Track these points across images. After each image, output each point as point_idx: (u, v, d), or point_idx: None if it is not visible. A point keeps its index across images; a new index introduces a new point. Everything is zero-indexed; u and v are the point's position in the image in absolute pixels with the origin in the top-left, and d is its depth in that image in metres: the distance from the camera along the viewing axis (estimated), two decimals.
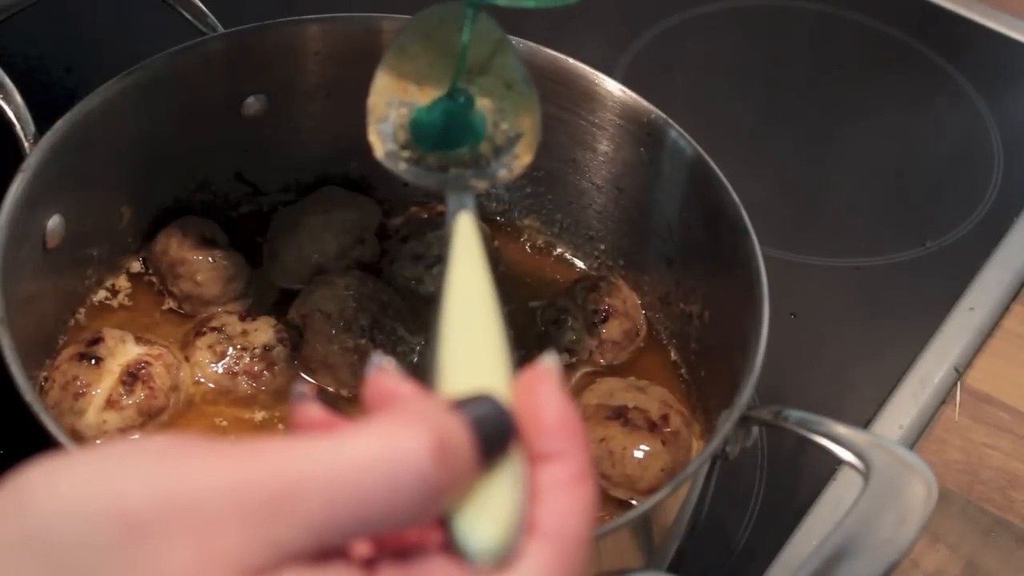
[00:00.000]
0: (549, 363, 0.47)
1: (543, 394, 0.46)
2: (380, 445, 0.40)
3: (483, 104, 0.73)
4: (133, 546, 0.37)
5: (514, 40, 0.91)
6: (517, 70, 0.74)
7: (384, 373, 0.45)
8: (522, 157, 0.72)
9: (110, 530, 0.37)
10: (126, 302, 0.91)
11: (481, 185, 0.69)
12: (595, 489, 0.45)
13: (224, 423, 0.85)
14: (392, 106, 0.72)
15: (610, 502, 0.83)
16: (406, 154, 0.71)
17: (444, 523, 0.42)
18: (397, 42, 0.74)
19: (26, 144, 0.81)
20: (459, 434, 0.42)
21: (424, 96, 0.73)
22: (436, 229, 0.95)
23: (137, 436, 0.82)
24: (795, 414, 0.70)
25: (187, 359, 0.87)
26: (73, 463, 0.39)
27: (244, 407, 0.85)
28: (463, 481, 0.42)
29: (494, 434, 0.43)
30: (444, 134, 0.71)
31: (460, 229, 0.58)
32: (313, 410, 0.45)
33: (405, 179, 0.70)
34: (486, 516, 0.42)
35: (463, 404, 0.43)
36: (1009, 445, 0.98)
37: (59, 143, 0.81)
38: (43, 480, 0.38)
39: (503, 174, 0.71)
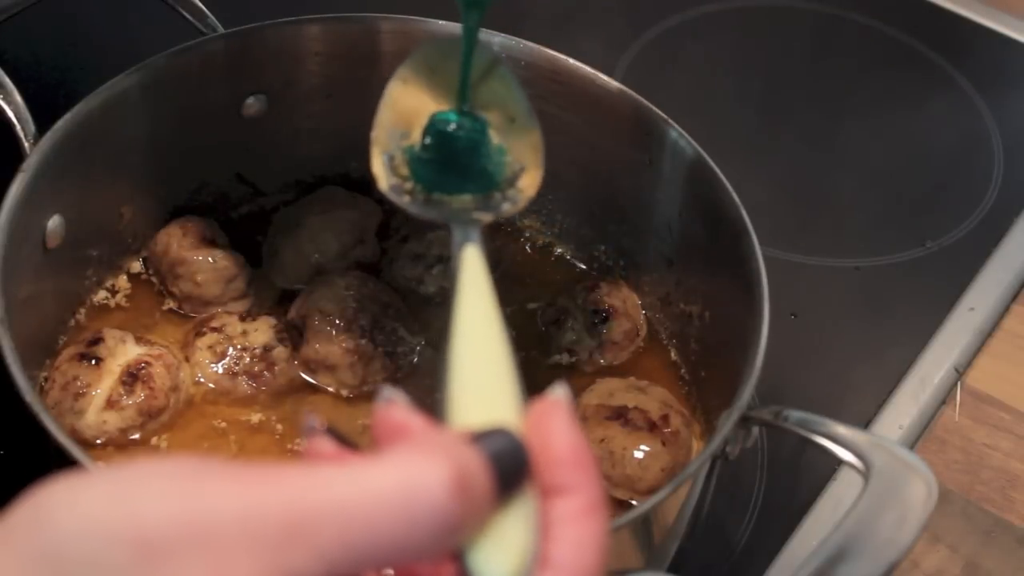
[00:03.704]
0: (559, 394, 0.47)
1: (554, 426, 0.46)
2: (398, 477, 0.40)
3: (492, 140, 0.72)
4: (148, 568, 0.37)
5: (514, 40, 0.91)
6: (520, 103, 0.73)
7: (394, 406, 0.45)
8: (526, 190, 0.72)
9: (126, 551, 0.37)
10: (126, 302, 0.91)
11: (486, 218, 0.68)
12: (607, 521, 0.45)
13: (224, 424, 0.85)
14: (394, 138, 0.72)
15: (610, 502, 0.83)
16: (409, 186, 0.71)
17: (457, 556, 0.42)
18: (400, 74, 0.74)
19: (26, 144, 0.81)
20: (477, 468, 0.42)
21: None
22: (436, 229, 0.95)
23: (137, 435, 0.82)
24: (795, 414, 0.70)
25: (187, 359, 0.87)
26: (92, 482, 0.39)
27: (244, 407, 0.85)
28: (480, 515, 0.42)
29: (511, 468, 0.43)
30: (449, 173, 0.71)
31: (467, 263, 0.57)
32: (324, 443, 0.45)
33: (409, 212, 0.70)
34: (500, 550, 0.42)
35: (480, 438, 0.43)
36: (1009, 445, 0.98)
37: (59, 143, 0.81)
38: (62, 497, 0.39)
39: (507, 208, 0.71)
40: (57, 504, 0.38)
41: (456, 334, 0.51)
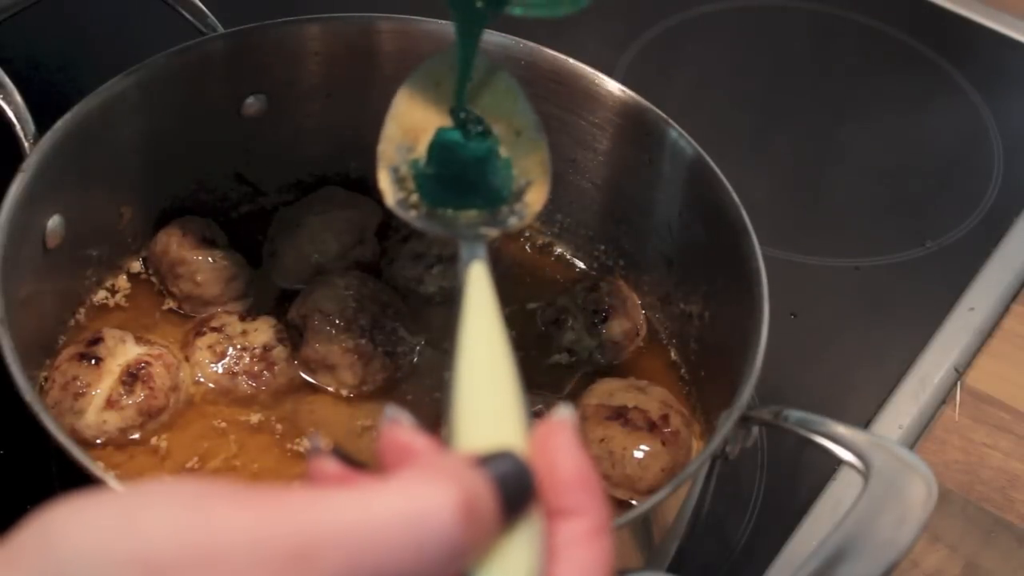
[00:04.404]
0: (564, 415, 0.47)
1: (559, 448, 0.46)
2: (405, 502, 0.40)
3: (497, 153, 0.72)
4: None
5: (514, 40, 0.91)
6: (527, 116, 0.73)
7: (398, 427, 0.45)
8: (533, 204, 0.71)
9: (134, 573, 0.37)
10: (126, 302, 0.91)
11: (493, 233, 0.68)
12: (613, 544, 0.45)
13: (223, 424, 0.85)
14: (401, 153, 0.72)
15: (610, 502, 0.83)
16: (415, 200, 0.70)
17: None
18: (405, 88, 0.73)
19: (26, 144, 0.81)
20: (484, 492, 0.42)
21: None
22: None
23: (137, 435, 0.82)
24: (795, 414, 0.70)
25: (187, 359, 0.87)
26: (99, 504, 0.39)
27: (244, 407, 0.85)
28: (486, 539, 0.42)
29: (517, 492, 0.43)
30: (456, 189, 0.71)
31: (473, 280, 0.57)
32: (329, 464, 0.45)
33: (416, 227, 0.70)
34: (505, 573, 0.42)
35: (486, 461, 0.43)
36: (1009, 445, 0.98)
37: (59, 143, 0.81)
38: (70, 518, 0.39)
39: (514, 222, 0.70)
40: (65, 525, 0.38)
41: (461, 354, 0.51)
